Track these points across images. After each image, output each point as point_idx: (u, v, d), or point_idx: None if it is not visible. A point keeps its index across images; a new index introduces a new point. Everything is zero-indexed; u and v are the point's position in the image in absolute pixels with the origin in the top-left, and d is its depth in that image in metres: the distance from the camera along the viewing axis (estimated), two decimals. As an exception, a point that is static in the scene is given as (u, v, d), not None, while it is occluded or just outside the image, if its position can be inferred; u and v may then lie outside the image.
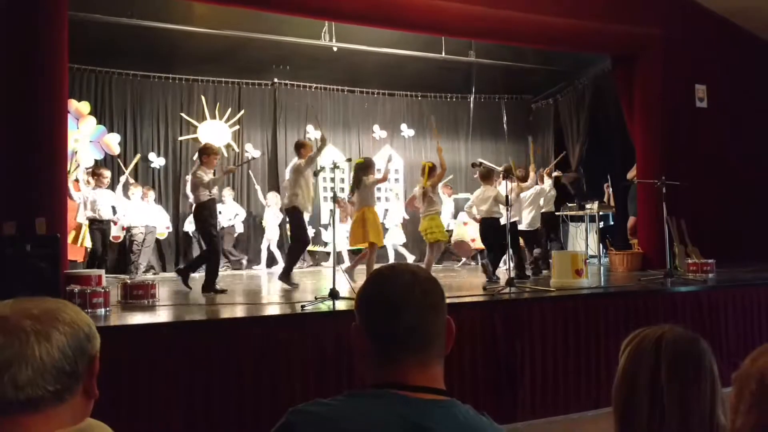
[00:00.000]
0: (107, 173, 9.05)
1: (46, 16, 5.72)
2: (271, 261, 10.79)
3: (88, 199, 8.74)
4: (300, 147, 7.42)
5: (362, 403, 1.20)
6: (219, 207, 10.17)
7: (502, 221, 7.36)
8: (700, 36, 9.12)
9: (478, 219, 7.72)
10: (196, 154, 7.30)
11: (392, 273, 1.34)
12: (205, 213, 6.74)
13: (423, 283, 1.30)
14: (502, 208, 7.27)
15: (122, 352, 3.94)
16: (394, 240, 11.35)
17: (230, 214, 10.58)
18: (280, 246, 10.79)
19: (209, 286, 6.54)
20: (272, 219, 10.72)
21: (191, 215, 10.39)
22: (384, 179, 7.79)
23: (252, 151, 11.31)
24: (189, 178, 7.78)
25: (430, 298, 1.30)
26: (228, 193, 10.62)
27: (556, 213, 9.52)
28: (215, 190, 6.87)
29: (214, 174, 6.94)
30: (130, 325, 4.54)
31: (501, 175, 7.23)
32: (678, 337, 1.41)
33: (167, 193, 10.80)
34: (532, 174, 8.55)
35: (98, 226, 8.69)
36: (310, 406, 1.21)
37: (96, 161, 9.93)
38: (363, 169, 7.24)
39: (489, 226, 7.56)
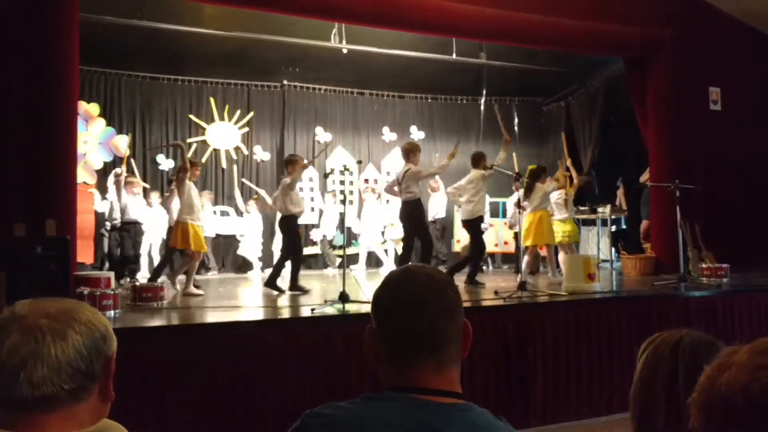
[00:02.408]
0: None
1: (58, 18, 5.74)
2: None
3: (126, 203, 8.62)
4: (479, 159, 7.58)
5: (378, 407, 1.19)
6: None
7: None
8: (714, 38, 9.04)
9: None
10: (403, 153, 7.36)
11: (407, 275, 1.33)
12: (420, 210, 7.02)
13: (438, 286, 1.29)
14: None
15: (131, 354, 3.93)
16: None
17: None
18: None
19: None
20: (158, 222, 10.13)
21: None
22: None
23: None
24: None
25: (446, 300, 1.29)
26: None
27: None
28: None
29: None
30: (139, 327, 4.53)
31: (513, 179, 7.17)
32: (696, 341, 1.40)
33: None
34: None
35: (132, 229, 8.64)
36: (325, 409, 1.20)
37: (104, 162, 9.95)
38: (536, 175, 7.72)
39: None
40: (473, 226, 7.35)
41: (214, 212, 10.80)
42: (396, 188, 7.32)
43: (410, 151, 7.04)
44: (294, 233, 6.89)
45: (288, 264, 6.90)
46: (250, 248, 10.50)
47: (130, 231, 8.35)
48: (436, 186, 11.08)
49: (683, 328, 1.46)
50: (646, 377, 1.39)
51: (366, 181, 11.86)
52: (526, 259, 7.87)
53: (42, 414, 1.11)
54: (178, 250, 7.41)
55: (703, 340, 1.40)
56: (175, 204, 7.93)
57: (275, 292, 6.64)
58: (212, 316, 5.27)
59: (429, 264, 6.67)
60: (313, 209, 11.31)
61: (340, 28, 8.84)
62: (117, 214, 8.74)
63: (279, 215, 7.11)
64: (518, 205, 6.96)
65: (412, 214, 7.01)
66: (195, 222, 6.96)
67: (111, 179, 8.99)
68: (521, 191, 7.10)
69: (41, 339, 1.11)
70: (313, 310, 5.05)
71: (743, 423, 0.79)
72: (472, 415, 1.20)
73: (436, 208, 11.08)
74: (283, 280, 6.94)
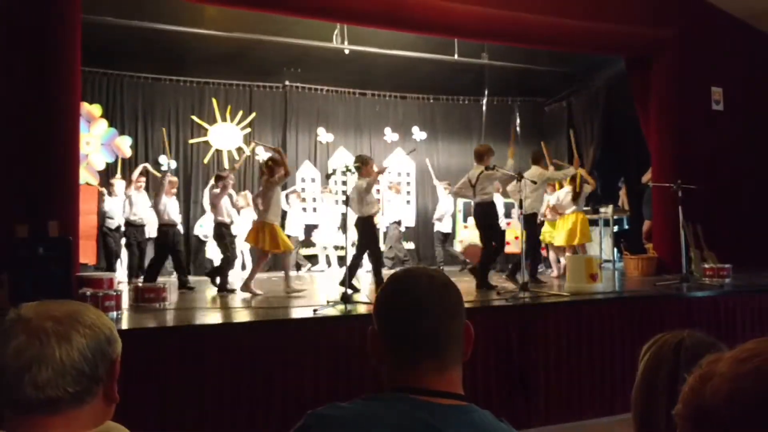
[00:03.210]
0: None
1: (60, 19, 5.75)
2: None
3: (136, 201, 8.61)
4: (540, 157, 7.84)
5: (380, 407, 1.19)
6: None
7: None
8: (717, 38, 9.04)
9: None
10: (477, 155, 7.29)
11: (409, 277, 1.34)
12: (495, 211, 7.31)
13: (440, 287, 1.30)
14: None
15: (134, 355, 3.93)
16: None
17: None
18: None
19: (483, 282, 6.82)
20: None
21: (201, 218, 10.36)
22: None
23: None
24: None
25: (447, 302, 1.29)
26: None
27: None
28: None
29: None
30: (142, 329, 4.54)
31: (516, 179, 7.15)
32: (697, 342, 1.39)
33: (179, 197, 10.78)
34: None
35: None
36: (327, 410, 1.20)
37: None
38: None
39: None
40: (530, 222, 7.59)
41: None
42: (465, 190, 7.36)
43: (484, 154, 7.14)
44: (371, 234, 7.03)
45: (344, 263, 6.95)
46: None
47: (169, 233, 8.06)
48: (399, 188, 11.39)
49: (685, 328, 1.46)
50: (647, 378, 1.38)
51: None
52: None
53: (46, 416, 1.12)
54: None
55: (705, 342, 1.38)
56: (225, 202, 7.81)
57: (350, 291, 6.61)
58: (214, 317, 5.28)
59: (492, 263, 7.03)
60: (315, 209, 11.32)
61: (341, 28, 8.86)
62: (144, 213, 8.71)
63: (355, 216, 7.13)
64: (520, 205, 6.96)
65: (488, 214, 7.14)
66: (277, 223, 7.06)
67: (136, 174, 8.87)
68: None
69: (46, 342, 1.12)
70: (315, 310, 5.05)
71: None
72: (474, 417, 1.20)
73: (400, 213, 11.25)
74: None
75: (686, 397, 0.84)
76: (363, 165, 7.00)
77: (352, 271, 6.75)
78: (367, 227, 6.92)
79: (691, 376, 0.86)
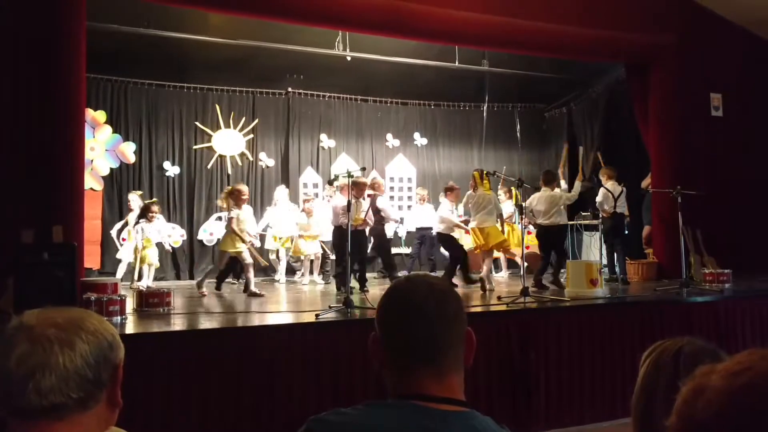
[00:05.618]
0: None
1: (65, 26, 5.79)
2: None
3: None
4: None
5: (380, 414, 1.21)
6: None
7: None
8: (716, 44, 9.07)
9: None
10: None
11: (409, 284, 1.36)
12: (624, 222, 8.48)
13: (438, 295, 1.32)
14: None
15: (138, 360, 3.95)
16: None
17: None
18: None
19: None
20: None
21: (206, 223, 10.40)
22: None
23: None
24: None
25: (444, 309, 1.31)
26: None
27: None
28: None
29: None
30: (146, 333, 4.56)
31: (516, 185, 7.20)
32: (697, 350, 1.40)
33: (182, 202, 10.84)
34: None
35: None
36: (329, 416, 1.22)
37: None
38: None
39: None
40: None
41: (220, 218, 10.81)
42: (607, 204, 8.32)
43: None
44: (563, 241, 7.83)
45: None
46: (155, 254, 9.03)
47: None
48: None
49: (685, 335, 1.46)
50: (647, 386, 1.40)
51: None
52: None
53: (50, 422, 1.12)
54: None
55: (704, 349, 1.40)
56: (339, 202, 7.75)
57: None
58: (217, 322, 5.31)
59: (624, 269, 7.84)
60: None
61: (344, 36, 8.91)
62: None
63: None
64: (521, 210, 7.02)
65: (623, 225, 8.42)
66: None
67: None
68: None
69: (49, 348, 1.12)
70: (317, 315, 5.07)
71: None
72: (475, 423, 1.21)
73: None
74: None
75: (679, 409, 0.84)
76: (552, 179, 7.84)
77: (541, 272, 7.63)
78: (552, 235, 7.71)
79: (684, 388, 0.86)
